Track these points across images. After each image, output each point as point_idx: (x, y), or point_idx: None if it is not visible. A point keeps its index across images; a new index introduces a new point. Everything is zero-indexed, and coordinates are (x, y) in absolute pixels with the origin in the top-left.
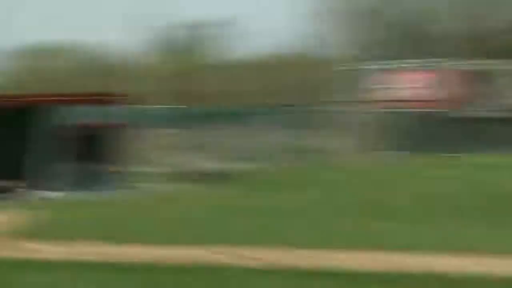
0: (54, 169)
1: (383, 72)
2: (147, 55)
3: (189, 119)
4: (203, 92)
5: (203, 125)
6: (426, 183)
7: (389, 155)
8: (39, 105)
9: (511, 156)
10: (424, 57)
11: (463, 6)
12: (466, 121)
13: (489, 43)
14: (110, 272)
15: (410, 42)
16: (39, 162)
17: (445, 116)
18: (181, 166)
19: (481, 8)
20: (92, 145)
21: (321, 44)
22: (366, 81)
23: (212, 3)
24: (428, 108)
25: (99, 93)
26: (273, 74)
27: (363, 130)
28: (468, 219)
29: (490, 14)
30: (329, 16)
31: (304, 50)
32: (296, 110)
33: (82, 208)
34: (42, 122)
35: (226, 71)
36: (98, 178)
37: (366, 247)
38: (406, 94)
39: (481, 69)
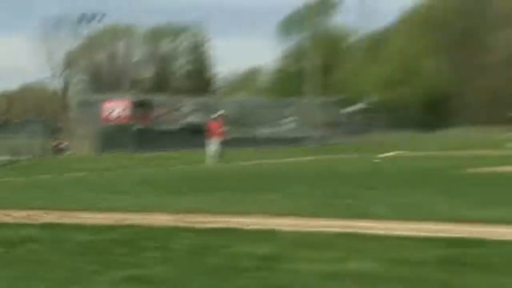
0: None
1: (103, 101)
2: None
3: None
4: None
5: None
6: (137, 170)
7: (106, 152)
8: None
9: (176, 152)
10: (123, 92)
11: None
12: (150, 132)
13: (170, 83)
14: None
15: (117, 82)
16: None
17: (134, 128)
18: None
19: (165, 58)
20: None
21: (62, 81)
22: (93, 106)
23: None
24: (124, 123)
25: None
26: (31, 101)
27: (92, 137)
28: (161, 191)
29: (171, 63)
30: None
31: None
32: (47, 123)
33: None
34: None
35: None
36: None
37: (102, 211)
38: (113, 114)
39: (157, 99)
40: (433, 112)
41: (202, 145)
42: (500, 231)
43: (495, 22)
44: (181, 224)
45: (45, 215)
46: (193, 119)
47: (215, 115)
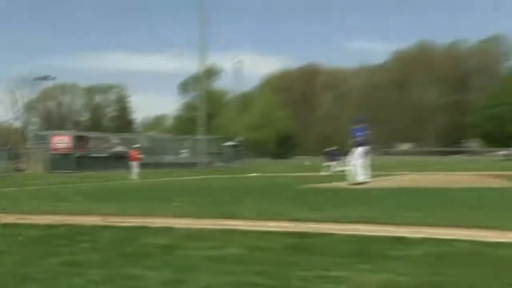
0: None
1: (52, 135)
2: None
3: None
4: None
5: None
6: (76, 185)
7: (54, 172)
8: None
9: (106, 172)
10: (67, 129)
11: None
12: (86, 157)
13: (102, 124)
14: None
15: (63, 123)
16: None
17: (74, 155)
18: None
19: (98, 107)
20: None
21: (23, 121)
22: (45, 139)
23: None
24: (67, 151)
25: None
26: None
27: (44, 161)
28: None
29: (102, 110)
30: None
31: (15, 124)
32: (11, 151)
33: None
34: None
35: None
36: None
37: (48, 214)
38: (60, 145)
39: (92, 135)
40: (282, 146)
41: (125, 167)
42: (325, 227)
43: (321, 88)
44: (106, 224)
45: (6, 217)
46: (118, 149)
47: (135, 146)
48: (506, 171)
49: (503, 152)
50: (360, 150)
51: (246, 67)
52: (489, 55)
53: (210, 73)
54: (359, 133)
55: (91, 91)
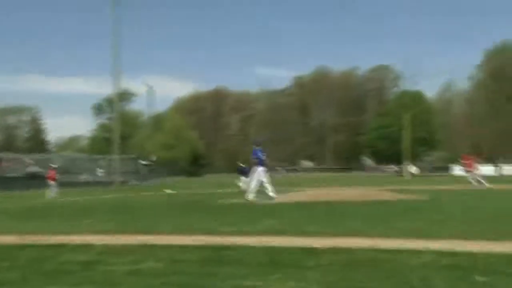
0: None
1: None
2: None
3: None
4: None
5: None
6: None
7: None
8: None
9: (20, 192)
10: None
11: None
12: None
13: (16, 144)
14: None
15: None
16: None
17: None
18: None
19: (11, 127)
20: None
21: None
22: None
23: None
24: None
25: None
26: None
27: None
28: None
29: (16, 131)
30: None
31: None
32: None
33: None
34: None
35: None
36: None
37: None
38: None
39: (5, 156)
40: (195, 165)
41: (40, 187)
42: (239, 239)
43: (229, 110)
44: (24, 242)
45: None
46: (32, 169)
47: (52, 166)
48: (397, 185)
49: (394, 168)
50: (260, 169)
51: (159, 90)
52: (380, 81)
53: (124, 95)
54: (259, 154)
55: (3, 112)
